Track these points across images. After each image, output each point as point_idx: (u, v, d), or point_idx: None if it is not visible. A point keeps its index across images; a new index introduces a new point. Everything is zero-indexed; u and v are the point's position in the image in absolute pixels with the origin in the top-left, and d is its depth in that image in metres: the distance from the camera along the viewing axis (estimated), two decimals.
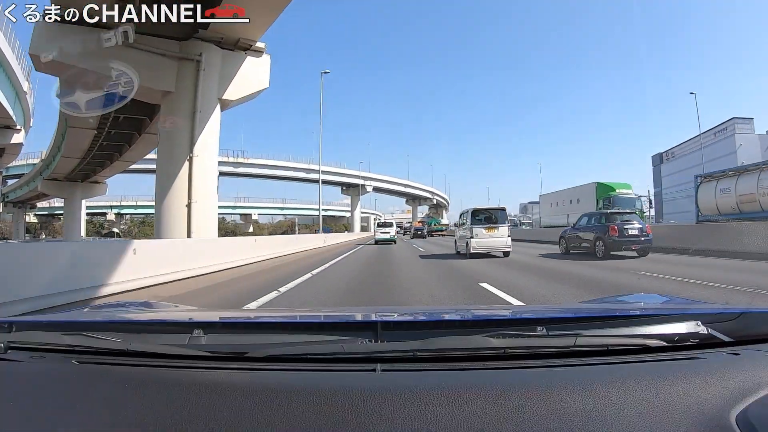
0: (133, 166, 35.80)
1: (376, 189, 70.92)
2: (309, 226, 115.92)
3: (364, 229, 76.06)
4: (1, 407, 0.59)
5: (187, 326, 0.79)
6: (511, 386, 0.56)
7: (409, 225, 55.09)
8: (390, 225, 20.21)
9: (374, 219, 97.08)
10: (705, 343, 0.70)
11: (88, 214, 52.31)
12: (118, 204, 69.95)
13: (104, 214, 67.00)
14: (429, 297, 4.52)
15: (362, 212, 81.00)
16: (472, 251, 8.19)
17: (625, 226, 7.78)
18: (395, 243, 17.09)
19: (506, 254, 8.29)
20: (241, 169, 51.55)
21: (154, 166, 18.56)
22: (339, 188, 66.53)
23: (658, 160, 44.87)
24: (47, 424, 0.56)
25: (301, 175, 56.49)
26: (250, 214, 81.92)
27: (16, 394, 0.62)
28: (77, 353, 0.72)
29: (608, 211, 10.30)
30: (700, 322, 0.72)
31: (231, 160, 50.25)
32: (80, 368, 0.70)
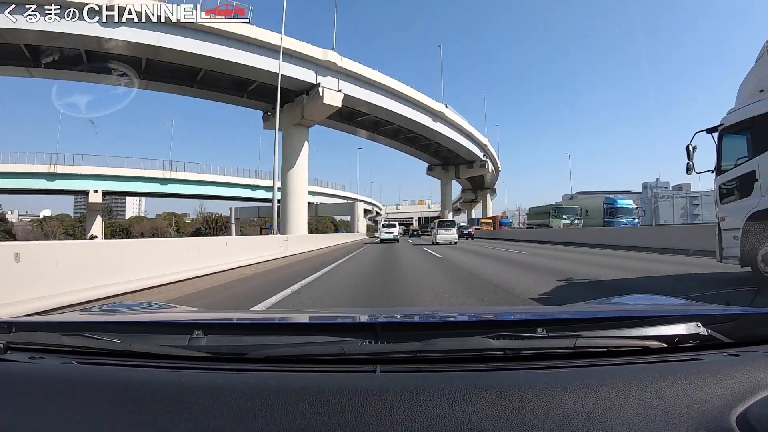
0: None
1: (352, 106, 29.16)
2: (254, 221, 63.99)
3: (338, 227, 57.80)
4: (0, 408, 0.65)
5: (187, 327, 0.86)
6: (512, 387, 0.62)
7: (406, 228, 50.50)
8: (393, 225, 26.45)
9: (363, 210, 58.51)
10: (705, 344, 0.77)
11: None
12: None
13: None
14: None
15: (329, 193, 54.23)
16: (437, 241, 20.94)
17: (463, 230, 27.57)
18: (398, 241, 25.30)
19: (455, 243, 20.73)
20: None
21: None
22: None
23: None
24: (47, 424, 0.62)
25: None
26: (87, 192, 40.65)
27: (15, 394, 0.67)
28: (77, 354, 0.81)
29: (459, 224, 28.81)
30: (699, 324, 0.78)
31: None
32: (80, 369, 0.77)
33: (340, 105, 25.21)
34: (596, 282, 5.96)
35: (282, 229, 25.57)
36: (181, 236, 51.53)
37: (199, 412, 0.59)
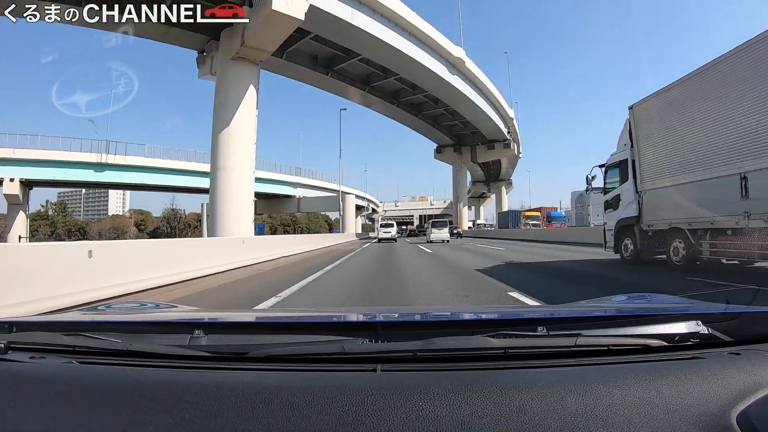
0: None
1: (328, 36, 19.38)
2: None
3: (334, 226, 56.42)
4: (1, 407, 0.68)
5: (188, 326, 0.88)
6: (512, 386, 0.65)
7: (404, 228, 49.90)
8: (391, 225, 27.77)
9: (355, 205, 50.09)
10: (706, 343, 0.79)
11: None
12: None
13: None
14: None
15: (313, 185, 42.80)
16: (430, 239, 23.67)
17: (453, 230, 31.40)
18: (395, 240, 27.06)
19: (447, 241, 23.35)
20: None
21: None
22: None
23: None
24: (47, 424, 0.64)
25: None
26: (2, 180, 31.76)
27: (16, 394, 0.70)
28: (78, 353, 0.83)
29: (453, 226, 34.25)
30: (700, 322, 0.80)
31: None
32: (80, 368, 0.80)
33: (302, 18, 15.03)
34: None
35: (210, 230, 16.31)
36: (145, 237, 42.83)
37: (200, 411, 0.60)
